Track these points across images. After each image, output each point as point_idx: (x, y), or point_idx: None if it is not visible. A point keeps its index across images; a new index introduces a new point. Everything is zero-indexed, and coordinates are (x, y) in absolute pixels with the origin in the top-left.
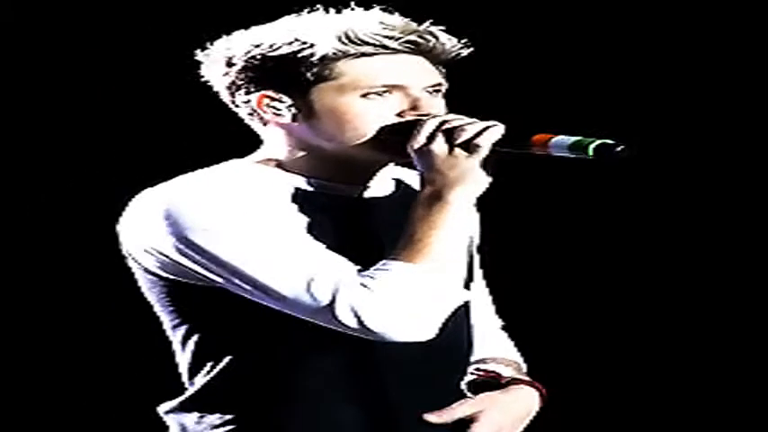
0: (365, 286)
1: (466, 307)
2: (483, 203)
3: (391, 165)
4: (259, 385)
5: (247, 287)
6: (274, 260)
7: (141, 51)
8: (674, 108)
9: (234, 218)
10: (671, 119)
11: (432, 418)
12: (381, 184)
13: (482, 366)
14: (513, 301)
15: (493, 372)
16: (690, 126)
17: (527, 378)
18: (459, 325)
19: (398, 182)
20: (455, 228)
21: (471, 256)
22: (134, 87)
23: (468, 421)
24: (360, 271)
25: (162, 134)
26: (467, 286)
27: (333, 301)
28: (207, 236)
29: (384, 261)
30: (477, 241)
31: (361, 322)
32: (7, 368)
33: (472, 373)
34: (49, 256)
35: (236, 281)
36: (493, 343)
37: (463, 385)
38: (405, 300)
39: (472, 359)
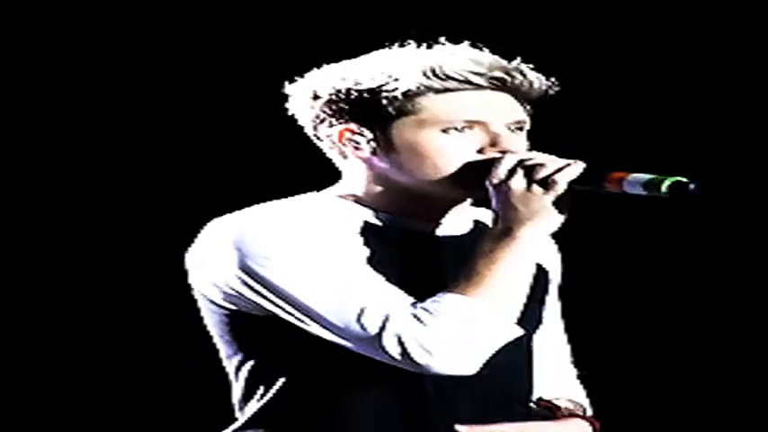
0: (416, 317)
1: (528, 345)
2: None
3: (467, 204)
4: (308, 413)
5: (301, 315)
6: (329, 289)
7: (228, 82)
8: (750, 145)
9: (295, 248)
10: (746, 156)
11: (462, 429)
12: (458, 223)
13: (543, 398)
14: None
15: (549, 402)
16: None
17: (582, 414)
18: (517, 362)
19: (478, 223)
20: (519, 265)
21: (544, 296)
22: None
23: None
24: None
25: (247, 164)
26: (535, 326)
27: (381, 331)
28: (266, 263)
29: (440, 293)
30: (557, 282)
31: (405, 353)
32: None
33: (532, 404)
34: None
35: (291, 309)
36: (561, 385)
37: None
38: (451, 333)
39: (536, 398)
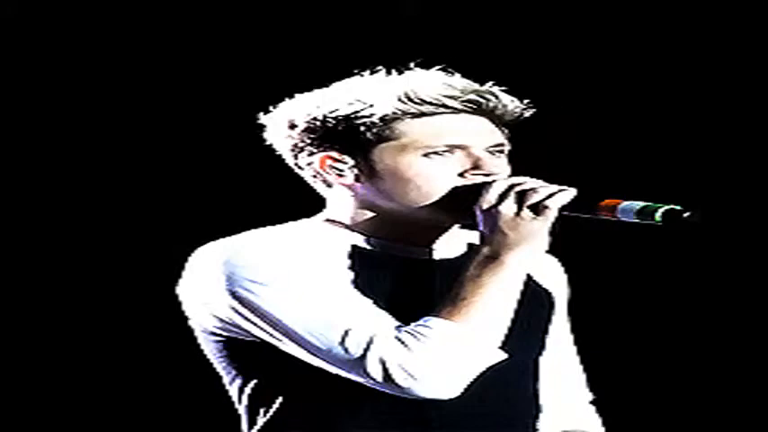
0: (400, 341)
1: (533, 369)
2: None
3: (458, 227)
4: None
5: (286, 340)
6: (313, 313)
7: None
8: (746, 172)
9: (281, 272)
10: (742, 183)
11: None
12: (450, 247)
13: None
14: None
15: None
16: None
17: None
18: (520, 386)
19: (471, 246)
20: (505, 290)
21: (546, 319)
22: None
23: None
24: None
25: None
26: (537, 350)
27: (364, 354)
28: (252, 287)
29: (426, 317)
30: (563, 306)
31: (387, 376)
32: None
33: None
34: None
35: (276, 333)
36: (572, 415)
37: None
38: (435, 357)
39: (549, 430)
